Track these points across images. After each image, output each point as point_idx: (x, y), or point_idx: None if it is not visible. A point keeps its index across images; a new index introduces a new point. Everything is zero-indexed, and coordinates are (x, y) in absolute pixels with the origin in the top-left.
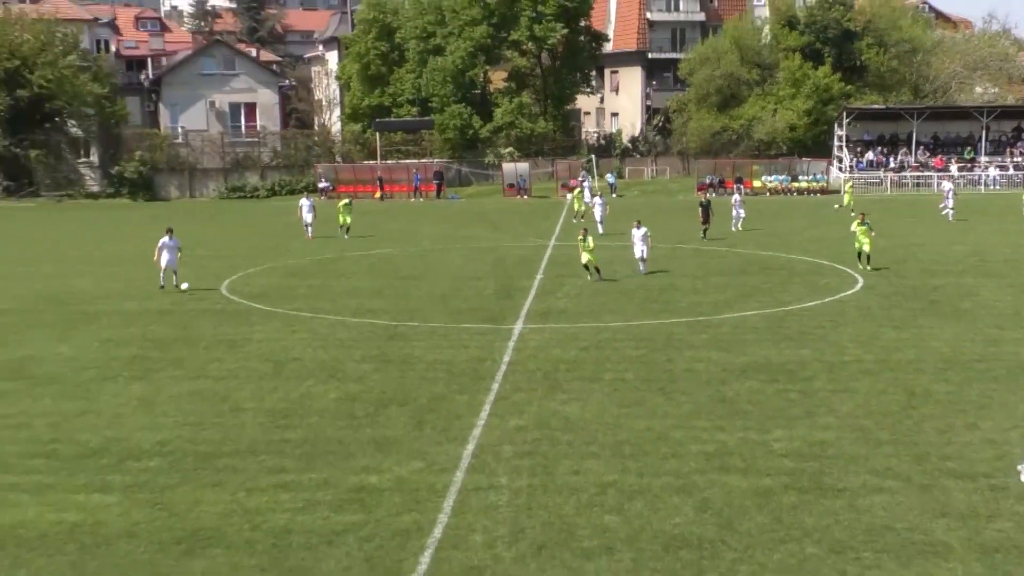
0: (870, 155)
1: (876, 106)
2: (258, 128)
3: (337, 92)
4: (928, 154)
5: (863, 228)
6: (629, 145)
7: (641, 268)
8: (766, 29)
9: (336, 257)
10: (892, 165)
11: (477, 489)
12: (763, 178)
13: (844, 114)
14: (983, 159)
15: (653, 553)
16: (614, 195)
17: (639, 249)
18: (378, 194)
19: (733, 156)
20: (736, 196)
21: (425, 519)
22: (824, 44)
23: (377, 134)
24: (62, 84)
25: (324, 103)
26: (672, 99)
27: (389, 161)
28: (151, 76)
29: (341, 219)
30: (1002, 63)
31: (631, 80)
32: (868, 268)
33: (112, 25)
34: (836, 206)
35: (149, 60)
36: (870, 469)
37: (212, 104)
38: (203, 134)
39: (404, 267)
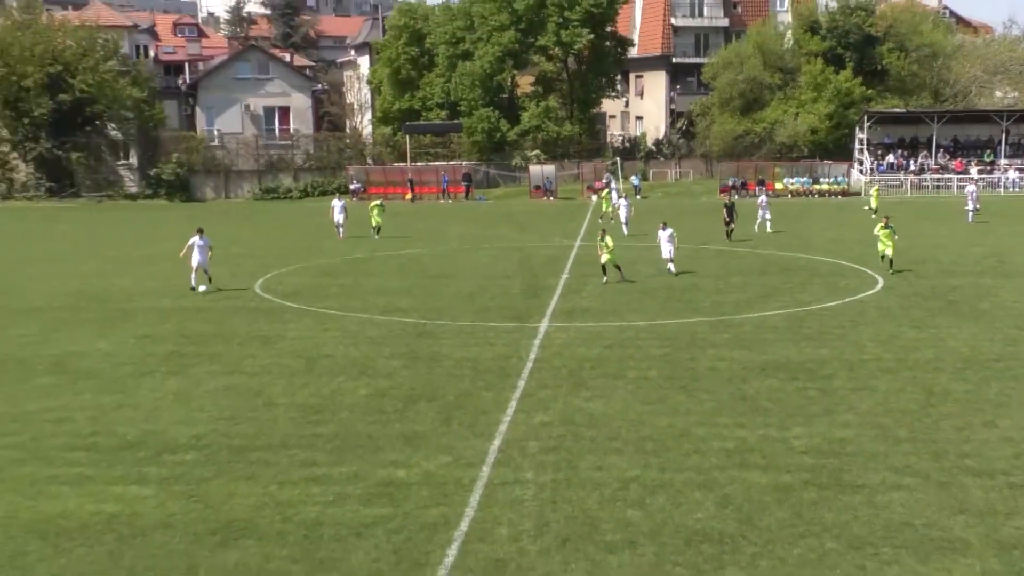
0: (890, 158)
1: (897, 110)
2: (291, 131)
3: (368, 96)
4: (948, 157)
5: (887, 232)
6: (653, 148)
7: (671, 268)
8: (788, 34)
9: (366, 257)
10: (912, 168)
11: (503, 483)
12: (785, 180)
13: (865, 118)
14: (1003, 162)
15: (675, 547)
16: (638, 197)
17: (666, 250)
18: (409, 195)
19: (755, 159)
20: (762, 198)
21: (452, 512)
22: (846, 49)
23: (407, 137)
24: (103, 88)
25: (356, 107)
26: (696, 103)
27: (418, 163)
28: (188, 80)
29: (373, 220)
30: (1022, 67)
31: (656, 84)
32: (890, 271)
33: (151, 31)
34: (866, 207)
35: (186, 65)
36: (889, 466)
37: (247, 108)
38: (238, 137)
39: (433, 266)
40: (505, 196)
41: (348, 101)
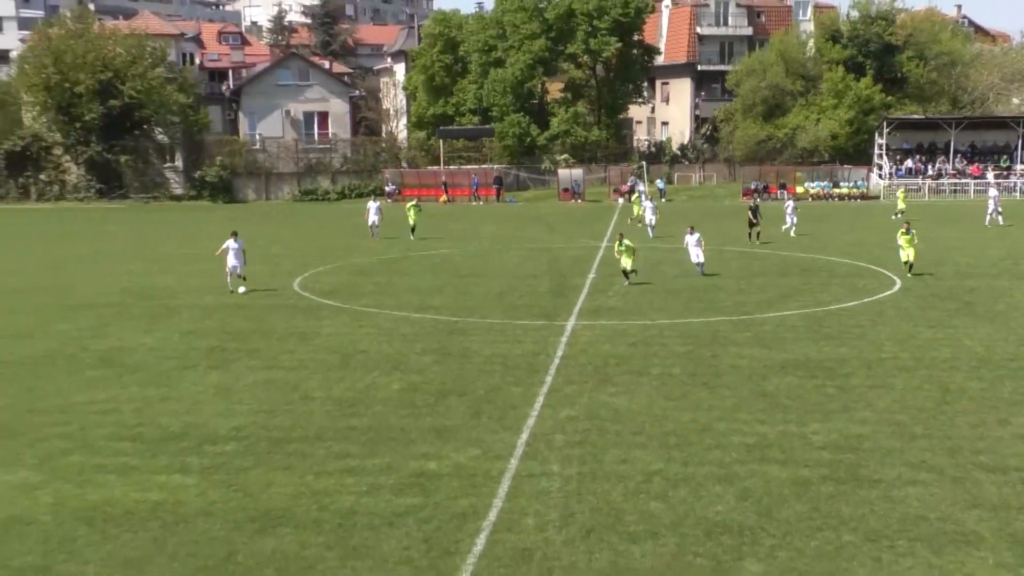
0: (909, 163)
1: (915, 116)
2: (330, 135)
3: (404, 102)
4: (965, 162)
5: (907, 237)
6: (678, 152)
7: (701, 271)
8: (811, 43)
9: (400, 256)
10: (930, 172)
11: (530, 475)
12: (806, 184)
13: (884, 124)
14: (1019, 167)
15: (696, 538)
16: (663, 200)
17: (694, 254)
18: (444, 198)
19: (777, 163)
20: (790, 202)
21: (481, 503)
22: (866, 57)
23: (440, 141)
24: (150, 94)
25: (392, 112)
26: (720, 109)
27: (451, 167)
28: (232, 87)
29: (410, 220)
30: None
31: (681, 91)
32: (908, 274)
33: (197, 39)
34: (896, 215)
35: (230, 72)
36: (905, 462)
37: (288, 113)
38: (279, 141)
39: (464, 266)
40: (535, 198)
41: (384, 107)
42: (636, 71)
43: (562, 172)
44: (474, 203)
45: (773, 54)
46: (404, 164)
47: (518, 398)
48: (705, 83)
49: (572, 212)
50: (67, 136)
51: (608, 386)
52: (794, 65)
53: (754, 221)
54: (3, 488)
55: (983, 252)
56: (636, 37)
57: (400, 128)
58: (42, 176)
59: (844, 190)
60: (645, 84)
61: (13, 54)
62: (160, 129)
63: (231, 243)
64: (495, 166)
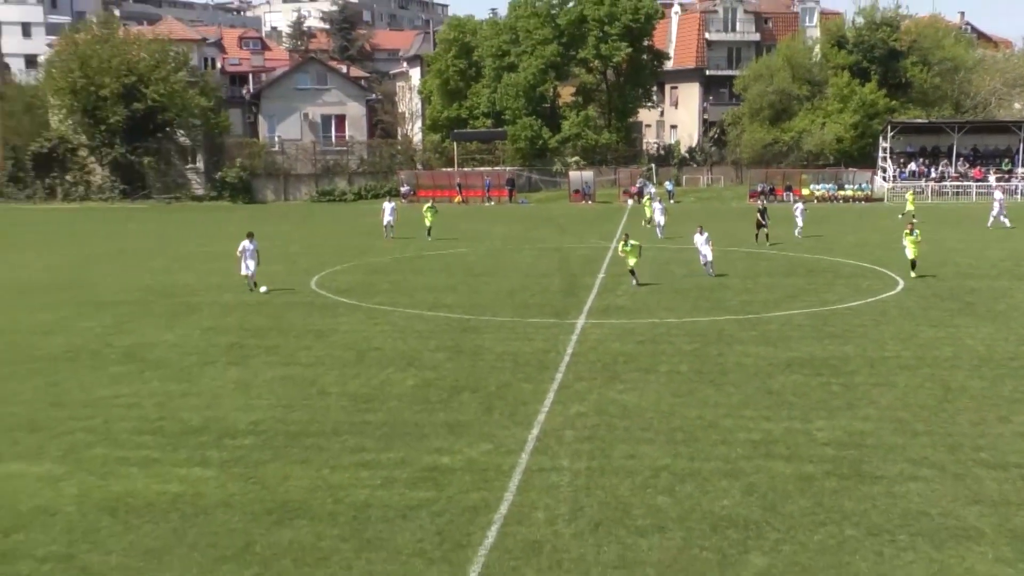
0: (912, 166)
1: (919, 120)
2: (347, 138)
3: (419, 105)
4: (967, 165)
5: (911, 238)
6: (686, 155)
7: (710, 271)
8: (817, 48)
9: (414, 256)
10: (933, 175)
11: (540, 470)
12: (811, 186)
13: (888, 128)
14: (1020, 170)
15: (702, 532)
16: (672, 201)
17: (703, 252)
18: (458, 198)
19: (783, 166)
20: (799, 204)
21: (492, 497)
22: (871, 62)
23: (454, 143)
24: (173, 98)
25: (407, 115)
26: (727, 113)
27: (465, 168)
28: (252, 90)
29: (427, 221)
30: None
31: (689, 95)
32: (912, 275)
33: (218, 44)
34: (903, 214)
35: (250, 76)
36: (907, 458)
37: (306, 116)
38: (297, 143)
39: (477, 265)
40: (546, 200)
41: (400, 110)
42: (646, 76)
43: (573, 174)
44: (486, 204)
45: (780, 59)
46: (419, 166)
47: (529, 394)
48: (713, 87)
49: (582, 213)
50: (92, 138)
51: (617, 383)
52: (800, 70)
53: (763, 223)
54: (29, 479)
55: (984, 253)
56: (646, 42)
57: (415, 131)
58: (68, 177)
59: (849, 192)
60: (655, 88)
61: (41, 59)
62: (182, 131)
63: (247, 244)
64: (508, 168)
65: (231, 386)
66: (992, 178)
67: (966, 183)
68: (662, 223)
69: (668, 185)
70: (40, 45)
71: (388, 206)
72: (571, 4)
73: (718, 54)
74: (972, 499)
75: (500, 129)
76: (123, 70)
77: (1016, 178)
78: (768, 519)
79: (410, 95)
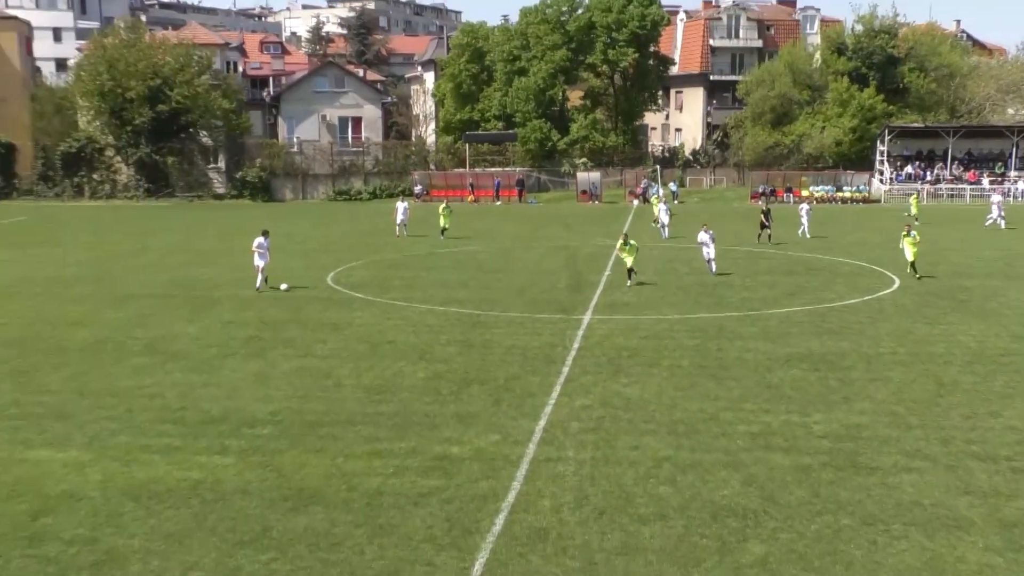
0: (909, 169)
1: (915, 124)
2: (363, 139)
3: (432, 108)
4: (962, 169)
5: (909, 239)
6: (690, 157)
7: (712, 268)
8: (817, 55)
9: (427, 253)
10: (928, 178)
11: (547, 460)
12: (811, 188)
13: (886, 131)
14: (1012, 173)
15: (702, 520)
16: (676, 202)
17: (707, 250)
18: (471, 197)
19: (784, 168)
20: (804, 205)
21: (500, 486)
22: (869, 68)
23: (466, 145)
24: (196, 100)
25: (421, 117)
26: (730, 116)
27: (476, 169)
28: (272, 93)
29: (442, 221)
30: None
31: (694, 99)
32: (907, 271)
33: (240, 49)
34: (907, 214)
35: (271, 79)
36: (901, 450)
37: (324, 118)
38: (315, 144)
39: (487, 262)
40: (554, 200)
41: (414, 112)
42: (652, 80)
43: (580, 175)
44: (496, 203)
45: (781, 65)
46: (432, 166)
47: (536, 387)
48: (717, 92)
49: (589, 213)
50: (118, 138)
51: (621, 377)
52: (801, 76)
53: (766, 223)
54: (55, 465)
55: (978, 253)
56: (652, 48)
57: (429, 132)
58: (95, 176)
59: (847, 194)
60: (660, 92)
61: (70, 62)
62: (205, 132)
63: (261, 240)
64: (518, 169)
65: (250, 377)
66: (985, 181)
67: (960, 186)
68: (666, 223)
69: (672, 186)
70: (70, 49)
71: (401, 206)
72: (580, 11)
73: (722, 60)
74: (963, 490)
75: (511, 131)
76: (149, 73)
77: (1009, 181)
78: (766, 508)
79: (424, 98)
